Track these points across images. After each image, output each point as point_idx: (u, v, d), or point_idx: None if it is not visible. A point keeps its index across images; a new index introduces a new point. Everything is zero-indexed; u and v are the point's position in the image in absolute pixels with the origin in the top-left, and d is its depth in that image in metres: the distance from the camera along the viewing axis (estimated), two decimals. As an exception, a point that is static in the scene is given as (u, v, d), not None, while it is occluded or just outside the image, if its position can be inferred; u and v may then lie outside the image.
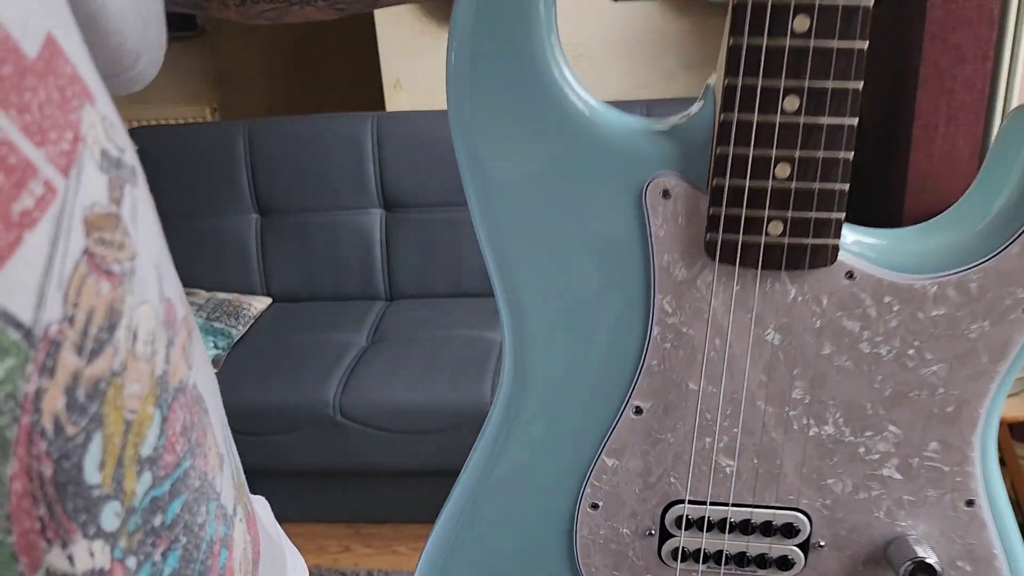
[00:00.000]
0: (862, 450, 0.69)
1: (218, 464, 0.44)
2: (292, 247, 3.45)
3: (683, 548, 0.75)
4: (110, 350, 0.32)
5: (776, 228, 0.62)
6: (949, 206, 0.70)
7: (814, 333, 0.67)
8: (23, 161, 0.27)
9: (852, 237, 0.68)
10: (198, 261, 3.30)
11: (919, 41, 3.06)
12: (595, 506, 0.74)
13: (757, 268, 0.64)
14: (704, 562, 0.73)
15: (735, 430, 0.72)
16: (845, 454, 0.71)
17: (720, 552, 0.75)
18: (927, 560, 0.70)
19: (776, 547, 0.75)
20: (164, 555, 0.37)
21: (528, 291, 0.67)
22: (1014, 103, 2.63)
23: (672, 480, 0.74)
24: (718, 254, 0.64)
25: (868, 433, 0.70)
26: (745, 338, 0.66)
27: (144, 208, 0.37)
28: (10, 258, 0.28)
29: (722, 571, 0.75)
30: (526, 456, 0.74)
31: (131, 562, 0.35)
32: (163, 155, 3.20)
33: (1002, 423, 2.74)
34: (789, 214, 0.61)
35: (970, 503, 0.70)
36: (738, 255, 0.63)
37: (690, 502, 0.73)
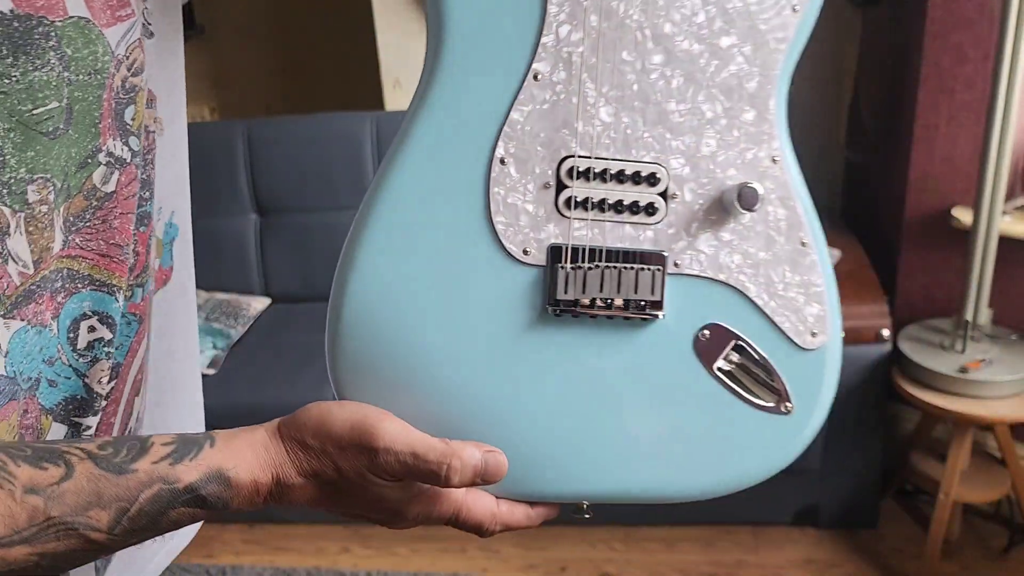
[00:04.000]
0: (699, 115, 0.89)
1: None
2: (291, 247, 3.45)
3: (574, 198, 0.87)
4: None
5: None
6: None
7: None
8: None
9: None
10: (197, 261, 3.33)
11: (919, 41, 3.07)
12: (503, 161, 0.86)
13: None
14: (590, 209, 0.87)
15: (604, 89, 0.87)
16: (688, 117, 0.89)
17: (603, 200, 0.87)
18: (750, 184, 0.86)
19: (644, 195, 0.88)
20: None
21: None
22: (1015, 103, 2.63)
23: (564, 135, 0.86)
24: None
25: (701, 99, 0.89)
26: None
27: None
28: None
29: (604, 217, 0.87)
30: (447, 120, 0.86)
31: None
32: (162, 155, 3.23)
33: (1003, 424, 2.75)
34: None
35: (774, 160, 0.90)
36: None
37: (578, 156, 0.87)
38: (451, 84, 0.85)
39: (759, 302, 0.90)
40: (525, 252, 0.86)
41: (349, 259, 0.86)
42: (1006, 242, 2.86)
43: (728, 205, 0.88)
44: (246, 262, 3.48)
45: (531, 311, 0.87)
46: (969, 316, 2.80)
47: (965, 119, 3.09)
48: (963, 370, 2.69)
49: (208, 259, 3.36)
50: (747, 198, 0.86)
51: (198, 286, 3.54)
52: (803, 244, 0.91)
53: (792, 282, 0.90)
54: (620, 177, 0.87)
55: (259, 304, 3.41)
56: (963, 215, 3.02)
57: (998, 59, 2.63)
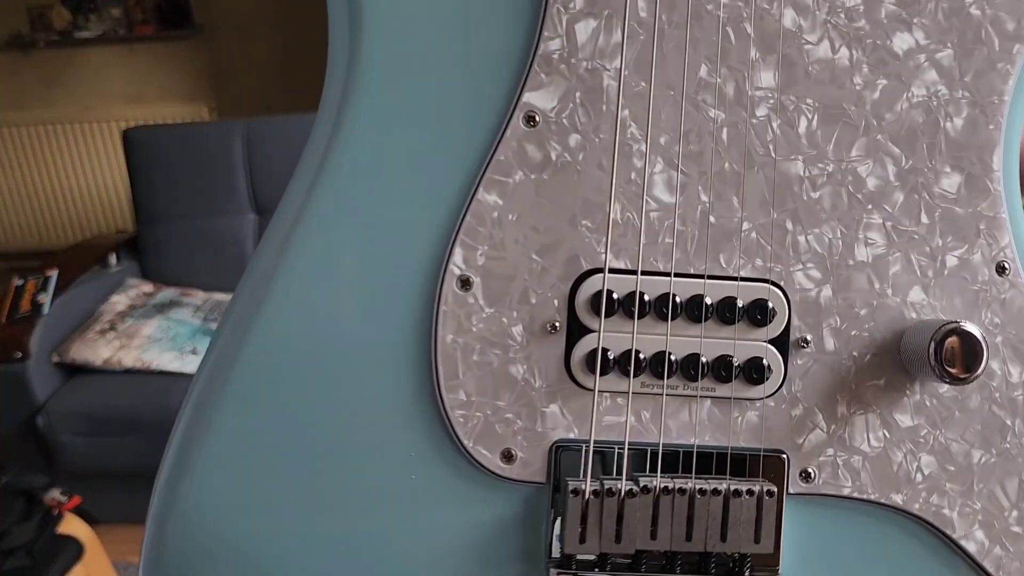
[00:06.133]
0: (850, 179, 0.46)
1: None
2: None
3: (603, 350, 0.45)
4: None
5: None
6: None
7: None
8: None
9: None
10: (195, 261, 3.17)
11: None
12: (466, 283, 0.45)
13: None
14: (637, 372, 0.45)
15: (674, 148, 0.45)
16: (827, 186, 0.46)
17: (660, 356, 0.45)
18: (964, 326, 0.44)
19: (742, 343, 0.46)
20: None
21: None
22: None
23: (584, 231, 0.45)
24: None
25: (856, 154, 0.46)
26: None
27: None
28: None
29: (664, 386, 0.45)
30: (357, 196, 0.46)
31: None
32: (160, 154, 3.12)
33: None
34: None
35: (1002, 269, 0.47)
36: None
37: (612, 271, 0.45)
38: (367, 128, 0.44)
39: (972, 549, 0.46)
40: (507, 458, 0.44)
41: (179, 463, 0.45)
42: None
43: (914, 363, 0.44)
44: (244, 262, 3.26)
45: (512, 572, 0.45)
46: None
47: None
48: None
49: (206, 259, 3.17)
50: (955, 352, 0.43)
51: (197, 286, 3.28)
52: (1055, 429, 0.46)
53: (1036, 508, 0.46)
54: (694, 310, 0.44)
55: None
56: None
57: None
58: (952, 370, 0.43)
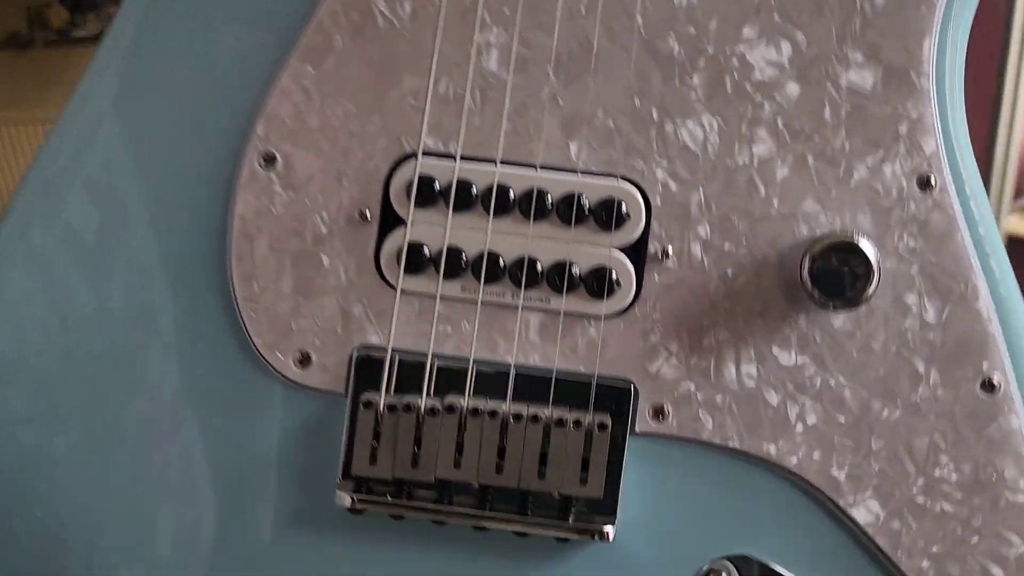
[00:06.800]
0: (735, 63, 0.38)
1: None
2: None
3: (419, 245, 0.38)
4: None
5: None
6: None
7: None
8: None
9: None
10: None
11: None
12: (269, 160, 0.39)
13: None
14: (455, 273, 0.38)
15: (519, 14, 0.38)
16: (705, 71, 0.38)
17: (487, 259, 0.38)
18: (849, 238, 0.36)
19: (586, 249, 0.38)
20: None
21: None
22: (1022, 101, 2.10)
23: (408, 109, 0.38)
24: None
25: (747, 33, 0.38)
26: None
27: None
28: None
29: (488, 293, 0.38)
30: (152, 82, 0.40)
31: None
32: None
33: None
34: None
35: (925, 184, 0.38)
36: None
37: (430, 153, 0.38)
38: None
39: (863, 520, 0.38)
40: (302, 361, 0.38)
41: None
42: (1014, 242, 2.30)
43: (793, 285, 0.36)
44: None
45: (300, 494, 0.39)
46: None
47: (970, 119, 2.48)
48: None
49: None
50: (839, 276, 0.35)
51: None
52: (990, 386, 0.37)
53: (951, 479, 0.37)
54: (527, 205, 0.38)
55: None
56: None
57: (1004, 57, 2.12)
58: (824, 294, 0.35)
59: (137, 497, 0.39)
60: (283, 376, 0.38)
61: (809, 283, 0.35)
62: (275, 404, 0.39)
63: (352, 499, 0.37)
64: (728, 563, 0.38)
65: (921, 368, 0.38)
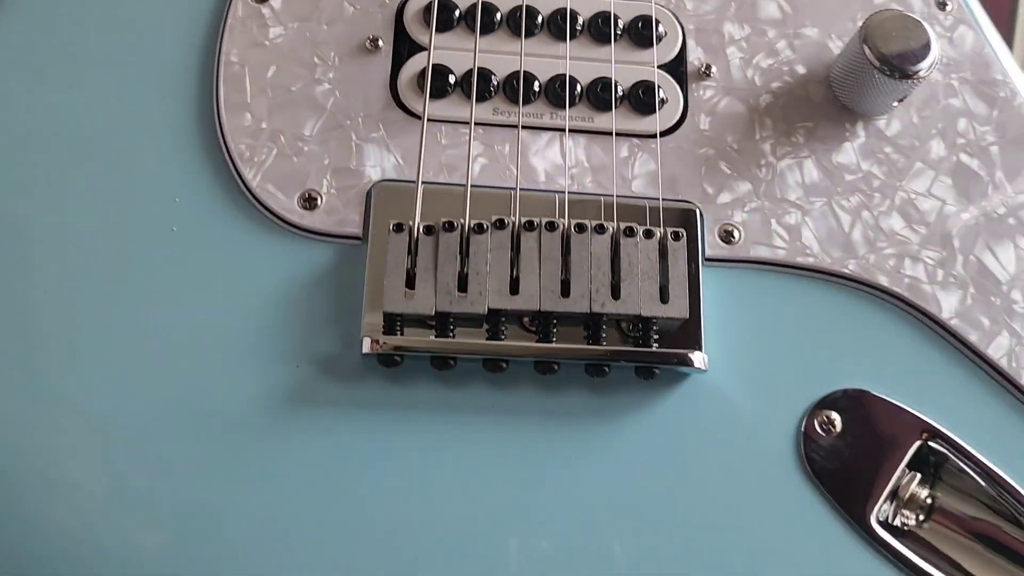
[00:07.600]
0: None
1: None
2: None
3: (444, 69, 0.34)
4: None
5: None
6: None
7: None
8: None
9: None
10: None
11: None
12: None
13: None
14: (485, 96, 0.33)
15: None
16: None
17: (512, 78, 0.34)
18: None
19: (626, 67, 0.34)
20: None
21: None
22: None
23: None
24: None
25: None
26: None
27: None
28: None
29: (519, 113, 0.33)
30: None
31: None
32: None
33: None
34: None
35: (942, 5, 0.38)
36: None
37: None
38: None
39: (972, 337, 0.33)
40: (308, 201, 0.32)
41: None
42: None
43: (852, 82, 0.34)
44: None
45: (313, 351, 0.31)
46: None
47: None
48: None
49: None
50: (894, 37, 0.33)
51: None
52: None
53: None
54: (556, 25, 0.34)
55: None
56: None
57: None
58: (893, 60, 0.32)
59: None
60: (284, 220, 0.31)
61: (872, 54, 0.33)
62: (277, 252, 0.31)
63: (379, 344, 0.29)
64: (834, 413, 0.32)
65: (983, 173, 0.35)
